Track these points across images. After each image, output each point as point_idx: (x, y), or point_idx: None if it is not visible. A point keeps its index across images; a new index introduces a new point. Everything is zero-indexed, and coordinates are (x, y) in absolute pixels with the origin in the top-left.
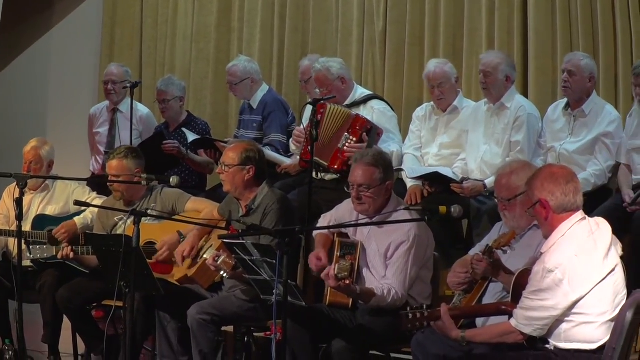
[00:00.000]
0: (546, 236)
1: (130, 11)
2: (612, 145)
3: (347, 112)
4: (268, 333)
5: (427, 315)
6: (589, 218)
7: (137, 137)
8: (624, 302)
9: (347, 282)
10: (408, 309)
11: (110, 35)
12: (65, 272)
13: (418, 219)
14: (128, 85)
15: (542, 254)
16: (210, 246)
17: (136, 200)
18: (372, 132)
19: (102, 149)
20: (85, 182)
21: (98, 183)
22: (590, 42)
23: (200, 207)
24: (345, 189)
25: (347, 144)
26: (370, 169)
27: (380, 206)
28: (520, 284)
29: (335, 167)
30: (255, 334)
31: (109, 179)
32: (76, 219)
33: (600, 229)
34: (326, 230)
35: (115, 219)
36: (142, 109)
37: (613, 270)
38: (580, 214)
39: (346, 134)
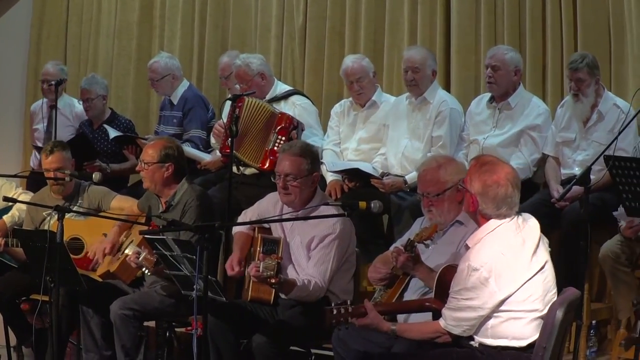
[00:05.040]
0: (469, 216)
1: (57, 10)
2: (539, 138)
3: (268, 109)
4: (189, 328)
5: (352, 311)
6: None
7: (72, 133)
8: (554, 299)
9: (274, 280)
10: (333, 304)
11: (38, 33)
12: None
13: (340, 214)
14: (53, 82)
15: (468, 247)
16: (131, 241)
17: (69, 195)
18: (297, 128)
19: (39, 144)
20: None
21: (38, 179)
22: (517, 33)
23: (125, 206)
24: (272, 179)
25: (277, 145)
26: (298, 159)
27: (307, 198)
28: (444, 280)
29: (267, 167)
30: (176, 329)
31: (53, 173)
32: (5, 217)
33: (528, 225)
34: (245, 228)
35: (44, 214)
36: (78, 105)
37: (543, 267)
38: None
39: (275, 134)
